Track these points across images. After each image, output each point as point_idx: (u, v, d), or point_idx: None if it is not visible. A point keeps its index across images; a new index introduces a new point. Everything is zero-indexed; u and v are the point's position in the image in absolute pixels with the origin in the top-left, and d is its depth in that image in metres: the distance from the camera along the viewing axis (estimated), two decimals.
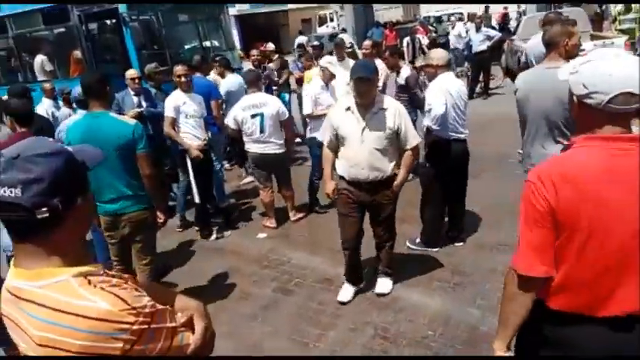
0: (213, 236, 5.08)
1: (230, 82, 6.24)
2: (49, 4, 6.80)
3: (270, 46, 9.08)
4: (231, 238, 5.07)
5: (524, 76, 3.11)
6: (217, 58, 6.72)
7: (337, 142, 3.33)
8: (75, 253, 1.05)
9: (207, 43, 8.42)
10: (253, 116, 4.83)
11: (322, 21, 26.35)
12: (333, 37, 17.86)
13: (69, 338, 0.93)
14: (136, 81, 5.25)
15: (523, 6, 18.87)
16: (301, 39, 17.79)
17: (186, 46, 8.16)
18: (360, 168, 3.23)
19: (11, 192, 0.93)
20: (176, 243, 5.04)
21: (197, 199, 5.06)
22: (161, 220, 3.41)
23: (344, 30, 19.87)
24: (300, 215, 5.28)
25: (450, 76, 3.96)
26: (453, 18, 17.90)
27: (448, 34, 15.52)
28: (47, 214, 0.96)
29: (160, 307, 1.05)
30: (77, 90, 4.09)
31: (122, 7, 6.27)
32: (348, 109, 3.20)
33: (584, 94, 1.37)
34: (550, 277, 1.41)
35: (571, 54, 2.88)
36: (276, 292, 3.86)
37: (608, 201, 1.34)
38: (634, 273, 1.36)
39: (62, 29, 7.26)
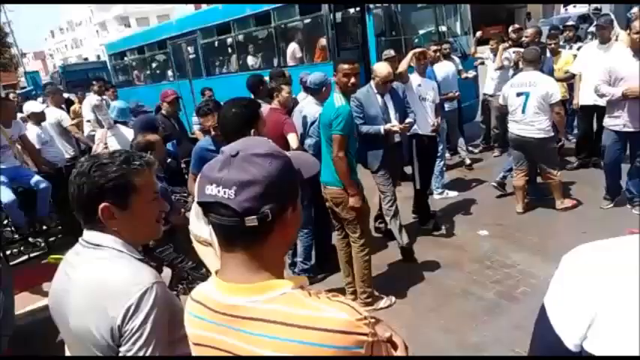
0: (430, 226, 5.02)
1: (443, 68, 6.07)
2: None
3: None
4: (449, 230, 4.92)
5: None
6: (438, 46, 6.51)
7: None
8: (281, 267, 0.97)
9: (443, 28, 8.24)
10: (518, 94, 4.68)
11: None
12: (584, 18, 15.58)
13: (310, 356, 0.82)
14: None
15: None
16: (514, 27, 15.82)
17: (421, 32, 8.15)
18: None
19: (225, 193, 0.85)
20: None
21: (417, 186, 5.07)
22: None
23: (597, 10, 17.02)
24: (569, 205, 4.89)
25: None
26: None
27: None
28: (256, 223, 0.85)
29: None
30: (310, 78, 4.38)
31: None
32: None
33: None
34: None
35: None
36: (499, 297, 3.58)
37: None
38: None
39: (313, 19, 8.06)
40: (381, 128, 4.04)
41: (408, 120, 4.19)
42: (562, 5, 22.98)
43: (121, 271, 1.27)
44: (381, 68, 4.11)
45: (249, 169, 0.86)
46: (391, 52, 5.49)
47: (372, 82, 4.18)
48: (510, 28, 7.12)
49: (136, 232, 1.37)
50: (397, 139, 4.29)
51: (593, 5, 18.95)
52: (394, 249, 4.40)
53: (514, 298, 3.53)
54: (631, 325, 0.76)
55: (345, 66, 3.31)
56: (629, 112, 4.33)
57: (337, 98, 3.33)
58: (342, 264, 3.77)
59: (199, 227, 2.09)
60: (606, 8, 12.40)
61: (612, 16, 6.03)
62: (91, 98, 7.26)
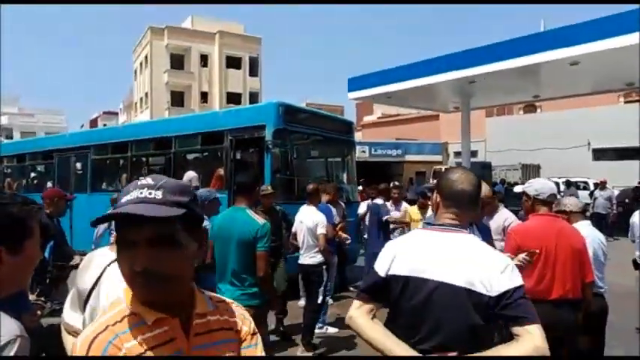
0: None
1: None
2: (209, 130, 8.08)
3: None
4: None
5: None
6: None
7: None
8: None
9: (332, 177, 9.09)
10: None
11: (437, 175, 27.16)
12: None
13: None
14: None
15: None
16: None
17: (313, 177, 8.87)
18: None
19: None
20: None
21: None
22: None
23: None
24: None
25: (585, 224, 3.76)
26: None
27: None
28: None
29: None
30: (198, 192, 4.47)
31: (268, 136, 7.19)
32: None
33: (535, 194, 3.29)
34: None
35: None
36: None
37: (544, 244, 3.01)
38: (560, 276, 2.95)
39: (214, 150, 8.44)
40: None
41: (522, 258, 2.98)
42: (431, 177, 26.81)
43: None
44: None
45: None
46: (269, 188, 5.73)
47: None
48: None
49: (13, 280, 1.25)
50: None
51: None
52: None
53: None
54: (405, 259, 1.76)
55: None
56: None
57: (254, 215, 3.38)
58: None
59: (73, 317, 1.94)
60: None
61: None
62: None
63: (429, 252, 1.74)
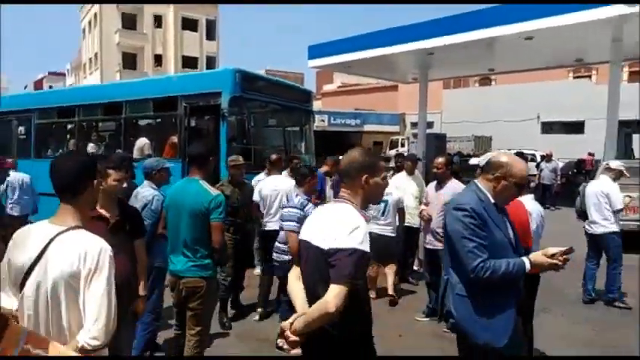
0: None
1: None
2: (162, 95, 7.78)
3: None
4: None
5: None
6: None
7: None
8: None
9: (290, 147, 9.01)
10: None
11: (393, 145, 27.56)
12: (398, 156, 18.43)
13: None
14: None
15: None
16: None
17: (270, 145, 8.77)
18: None
19: None
20: None
21: None
22: None
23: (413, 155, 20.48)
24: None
25: (529, 198, 3.90)
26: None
27: None
28: None
29: None
30: (146, 163, 4.37)
31: (224, 104, 6.98)
32: None
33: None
34: None
35: None
36: None
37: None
38: None
39: (167, 117, 8.14)
40: (527, 262, 2.29)
41: (562, 249, 2.32)
42: (388, 147, 27.17)
43: None
44: (520, 164, 2.44)
45: None
46: (240, 159, 5.28)
47: (483, 186, 2.43)
48: None
49: None
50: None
51: (411, 152, 22.87)
52: None
53: None
54: (305, 226, 2.15)
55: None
56: (426, 231, 5.10)
57: (208, 187, 3.34)
58: None
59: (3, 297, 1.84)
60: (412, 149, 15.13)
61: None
62: None
63: (317, 219, 2.10)
